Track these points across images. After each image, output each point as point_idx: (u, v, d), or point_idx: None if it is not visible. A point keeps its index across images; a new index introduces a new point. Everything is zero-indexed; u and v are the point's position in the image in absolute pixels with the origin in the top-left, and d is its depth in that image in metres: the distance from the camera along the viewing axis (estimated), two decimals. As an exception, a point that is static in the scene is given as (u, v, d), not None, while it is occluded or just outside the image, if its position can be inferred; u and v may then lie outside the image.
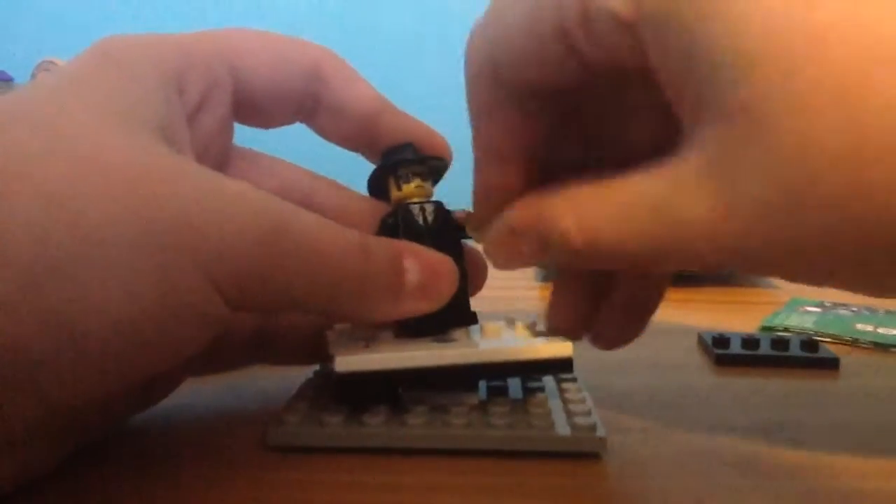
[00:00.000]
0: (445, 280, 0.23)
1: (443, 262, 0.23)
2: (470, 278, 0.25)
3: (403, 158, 0.25)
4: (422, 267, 0.22)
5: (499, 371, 0.23)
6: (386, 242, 0.22)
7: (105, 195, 0.17)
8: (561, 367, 0.24)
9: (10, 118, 0.18)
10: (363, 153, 0.28)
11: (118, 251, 0.17)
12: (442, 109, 0.73)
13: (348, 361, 0.22)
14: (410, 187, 0.25)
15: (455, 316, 0.24)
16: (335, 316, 0.24)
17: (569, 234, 0.19)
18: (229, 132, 0.26)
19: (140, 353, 0.18)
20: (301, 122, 0.27)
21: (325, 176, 0.28)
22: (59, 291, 0.16)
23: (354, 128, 0.27)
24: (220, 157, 0.26)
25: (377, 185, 0.26)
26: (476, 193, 0.23)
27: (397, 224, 0.25)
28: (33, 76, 0.61)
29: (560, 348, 0.23)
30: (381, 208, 0.27)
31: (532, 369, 0.24)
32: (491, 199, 0.23)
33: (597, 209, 0.19)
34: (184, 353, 0.19)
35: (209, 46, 0.24)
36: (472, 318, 0.25)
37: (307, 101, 0.26)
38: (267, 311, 0.26)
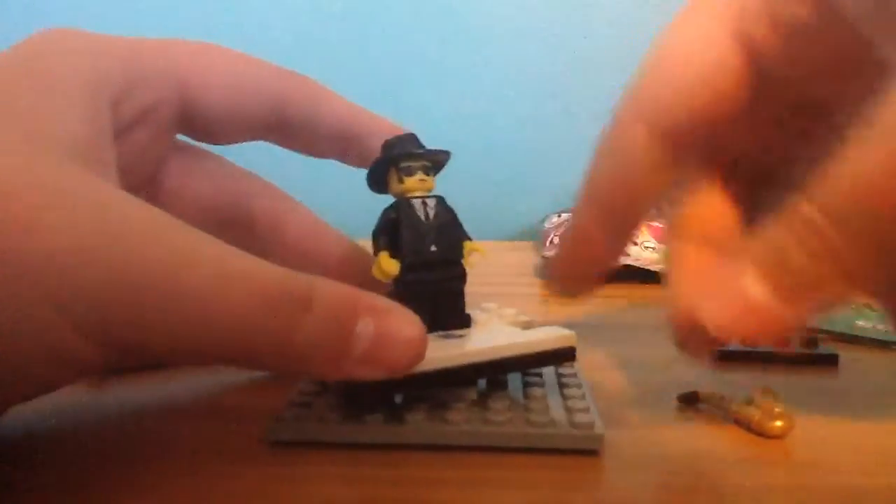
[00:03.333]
0: (405, 351, 0.19)
1: (406, 328, 0.19)
2: None
3: (408, 151, 0.25)
4: (378, 332, 0.19)
5: (509, 367, 0.23)
6: (339, 293, 0.19)
7: None
8: (567, 356, 0.24)
9: None
10: (340, 160, 0.27)
11: None
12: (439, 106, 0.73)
13: None
14: (413, 181, 0.24)
15: (452, 320, 0.24)
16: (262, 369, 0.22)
17: (817, 220, 0.17)
18: (166, 144, 0.25)
19: None
20: (270, 141, 0.27)
21: (268, 182, 0.28)
22: None
23: (329, 144, 0.27)
24: (151, 167, 0.25)
25: (377, 177, 0.25)
26: (567, 238, 0.23)
27: (399, 219, 0.24)
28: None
29: (565, 338, 0.23)
30: (321, 226, 0.27)
31: (542, 361, 0.24)
32: (580, 245, 0.23)
33: (844, 173, 0.16)
34: (47, 390, 0.18)
35: (158, 59, 0.23)
36: (466, 321, 0.25)
37: (270, 127, 0.26)
38: (169, 362, 0.24)
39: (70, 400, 0.25)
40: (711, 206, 0.22)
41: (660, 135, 0.21)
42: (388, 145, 0.25)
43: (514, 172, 0.71)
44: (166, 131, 0.24)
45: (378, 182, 0.25)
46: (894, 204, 0.16)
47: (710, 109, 0.20)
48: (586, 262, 0.23)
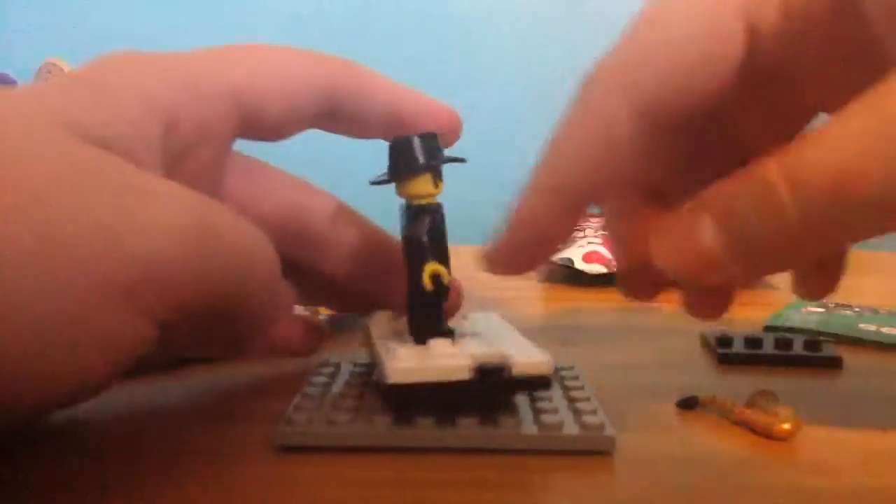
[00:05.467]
0: None
1: None
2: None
3: (450, 157, 0.25)
4: None
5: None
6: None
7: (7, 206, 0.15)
8: (540, 384, 0.22)
9: None
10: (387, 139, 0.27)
11: (16, 275, 0.15)
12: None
13: (404, 372, 0.21)
14: (440, 187, 0.25)
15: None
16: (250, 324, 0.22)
17: (777, 184, 0.16)
18: (225, 158, 0.25)
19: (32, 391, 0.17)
20: (320, 129, 0.27)
21: (325, 191, 0.28)
22: None
23: (377, 127, 0.27)
24: (213, 184, 0.25)
25: (406, 171, 0.24)
26: (516, 223, 0.22)
27: (440, 226, 0.24)
28: (38, 78, 0.61)
29: (538, 365, 0.22)
30: (376, 233, 0.27)
31: (513, 388, 0.22)
32: (532, 232, 0.21)
33: (818, 146, 0.16)
34: (97, 383, 0.18)
35: (212, 75, 0.24)
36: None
37: (322, 116, 0.26)
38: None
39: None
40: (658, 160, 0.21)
41: (645, 118, 0.19)
42: (432, 148, 0.24)
43: (515, 175, 0.71)
44: (226, 146, 0.25)
45: (400, 165, 0.24)
46: (860, 186, 0.16)
47: (705, 93, 0.19)
48: (537, 246, 0.22)
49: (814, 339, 0.32)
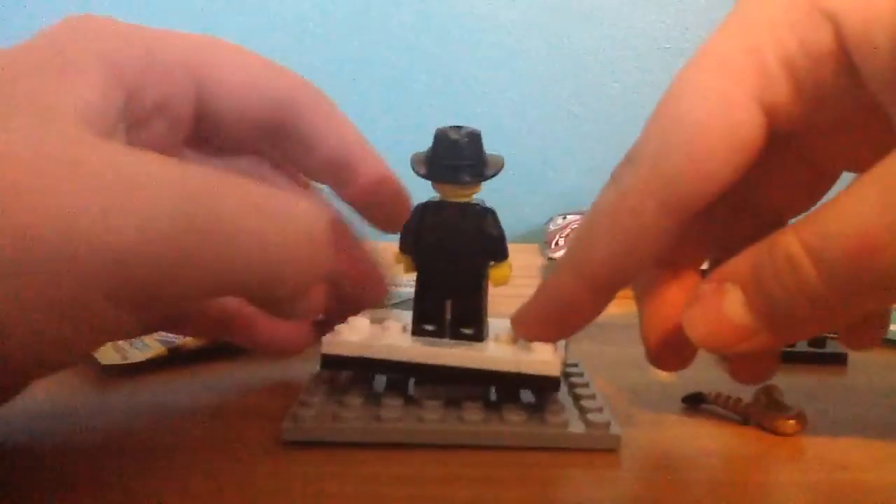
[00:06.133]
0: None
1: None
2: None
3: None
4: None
5: (475, 378, 0.23)
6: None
7: None
8: (549, 385, 0.22)
9: None
10: (332, 188, 0.27)
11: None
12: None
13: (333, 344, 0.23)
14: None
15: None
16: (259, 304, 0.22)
17: (799, 257, 0.17)
18: (181, 142, 0.25)
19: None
20: (267, 153, 0.26)
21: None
22: None
23: (325, 165, 0.26)
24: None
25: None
26: (546, 298, 0.22)
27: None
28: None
29: (547, 365, 0.22)
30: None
31: (519, 384, 0.23)
32: (560, 310, 0.22)
33: (837, 218, 0.17)
34: (71, 358, 0.19)
35: (177, 52, 0.23)
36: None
37: (275, 131, 0.25)
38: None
39: (82, 400, 0.25)
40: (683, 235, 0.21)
41: (672, 210, 0.19)
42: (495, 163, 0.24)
43: (518, 175, 0.71)
44: (182, 128, 0.24)
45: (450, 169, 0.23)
46: (881, 258, 0.16)
47: (730, 179, 0.19)
48: (564, 320, 0.22)
49: (819, 336, 0.32)
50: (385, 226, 0.26)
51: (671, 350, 0.23)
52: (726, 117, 0.19)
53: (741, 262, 0.19)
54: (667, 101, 0.20)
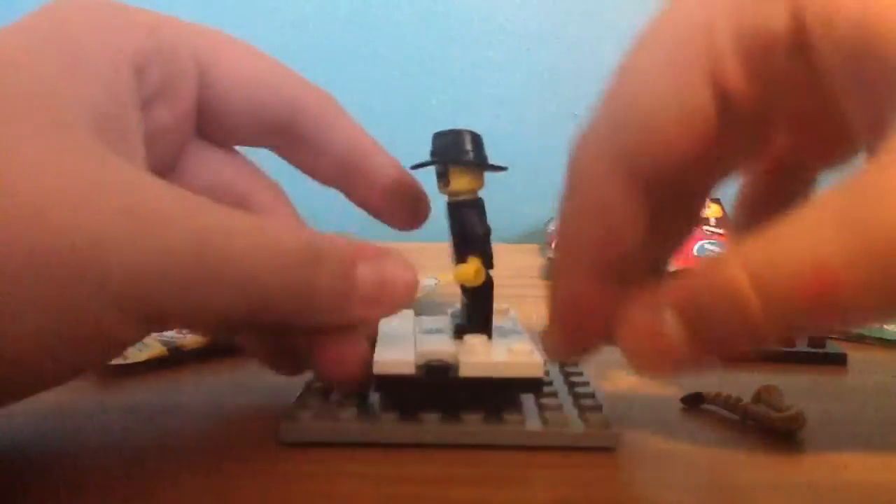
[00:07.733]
0: (402, 290, 0.21)
1: (402, 271, 0.22)
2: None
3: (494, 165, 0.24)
4: (378, 276, 0.21)
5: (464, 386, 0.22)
6: (339, 245, 0.21)
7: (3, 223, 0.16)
8: (530, 386, 0.22)
9: None
10: (343, 192, 0.26)
11: (12, 286, 0.16)
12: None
13: None
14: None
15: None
16: (275, 324, 0.22)
17: (740, 283, 0.16)
18: (187, 128, 0.24)
19: (25, 380, 0.18)
20: (275, 153, 0.26)
21: (271, 179, 0.27)
22: None
23: (334, 169, 0.26)
24: (173, 150, 0.24)
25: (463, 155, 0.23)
26: (559, 308, 0.22)
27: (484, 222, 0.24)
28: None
29: (529, 366, 0.22)
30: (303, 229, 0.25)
31: (500, 388, 0.22)
32: (577, 314, 0.21)
33: (788, 245, 0.16)
34: (76, 374, 0.19)
35: (182, 34, 0.23)
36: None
37: (281, 131, 0.25)
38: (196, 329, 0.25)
39: (82, 400, 0.25)
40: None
41: (638, 184, 0.20)
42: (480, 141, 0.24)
43: (518, 175, 0.71)
44: (187, 112, 0.24)
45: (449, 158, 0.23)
46: (838, 296, 0.15)
47: (687, 154, 0.19)
48: (590, 329, 0.22)
49: (818, 336, 0.32)
50: (407, 224, 0.26)
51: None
52: (679, 91, 0.19)
53: (678, 287, 0.18)
54: (621, 78, 0.20)
